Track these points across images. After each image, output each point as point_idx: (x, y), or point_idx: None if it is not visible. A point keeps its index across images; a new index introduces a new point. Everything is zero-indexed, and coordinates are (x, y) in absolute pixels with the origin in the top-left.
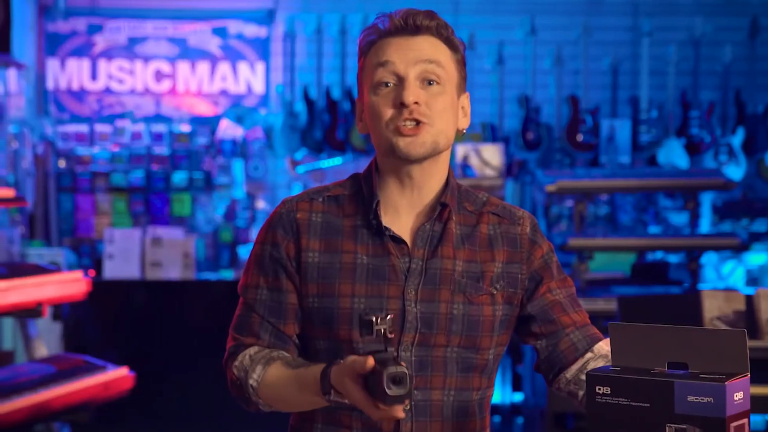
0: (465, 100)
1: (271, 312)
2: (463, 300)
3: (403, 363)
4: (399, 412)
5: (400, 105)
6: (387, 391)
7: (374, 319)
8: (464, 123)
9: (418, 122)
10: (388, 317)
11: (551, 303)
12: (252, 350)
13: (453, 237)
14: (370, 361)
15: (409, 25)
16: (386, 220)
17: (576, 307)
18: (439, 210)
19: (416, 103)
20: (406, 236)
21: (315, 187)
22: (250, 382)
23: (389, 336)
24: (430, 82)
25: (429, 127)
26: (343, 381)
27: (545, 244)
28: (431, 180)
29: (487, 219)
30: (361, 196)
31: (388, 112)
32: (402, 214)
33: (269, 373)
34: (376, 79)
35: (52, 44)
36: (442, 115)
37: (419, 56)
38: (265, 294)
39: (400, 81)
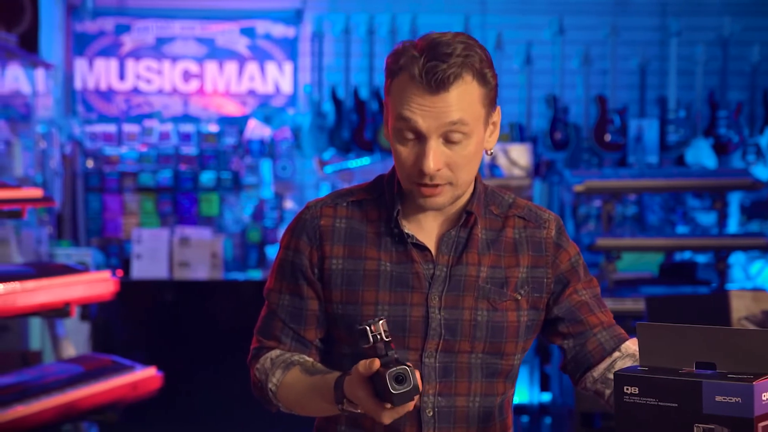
0: (496, 116)
1: (292, 318)
2: (487, 306)
3: (407, 363)
4: (409, 407)
5: (420, 170)
6: (392, 390)
7: (368, 327)
8: (491, 143)
9: (437, 185)
10: (380, 321)
11: (578, 303)
12: (273, 353)
13: (478, 243)
14: (376, 363)
15: (432, 85)
16: (411, 227)
17: (602, 307)
18: (464, 217)
19: (438, 169)
20: (431, 243)
21: (340, 190)
22: (270, 386)
23: (387, 339)
24: (451, 140)
25: (449, 186)
26: (353, 388)
27: (571, 248)
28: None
29: (512, 223)
30: (384, 202)
31: (409, 168)
32: (428, 220)
33: (288, 378)
34: (398, 127)
35: (79, 44)
36: (466, 167)
37: (443, 118)
38: (287, 300)
39: (421, 139)
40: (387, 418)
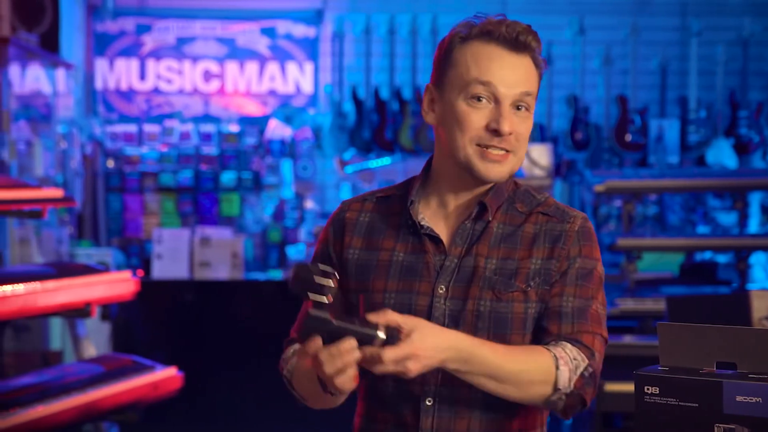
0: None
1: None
2: (491, 297)
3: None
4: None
5: (494, 131)
6: (315, 279)
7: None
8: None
9: (505, 150)
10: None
11: (553, 309)
12: (297, 344)
13: (491, 236)
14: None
15: (519, 42)
16: (431, 220)
17: (577, 318)
18: (477, 210)
19: (511, 132)
20: (447, 234)
21: (375, 189)
22: (285, 372)
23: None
24: (519, 108)
25: (513, 156)
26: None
27: (584, 248)
28: (483, 188)
29: (534, 219)
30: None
31: (478, 130)
32: (448, 213)
33: (299, 365)
34: (473, 92)
35: (100, 44)
36: (524, 143)
37: (520, 85)
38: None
39: (497, 102)
40: (328, 366)
